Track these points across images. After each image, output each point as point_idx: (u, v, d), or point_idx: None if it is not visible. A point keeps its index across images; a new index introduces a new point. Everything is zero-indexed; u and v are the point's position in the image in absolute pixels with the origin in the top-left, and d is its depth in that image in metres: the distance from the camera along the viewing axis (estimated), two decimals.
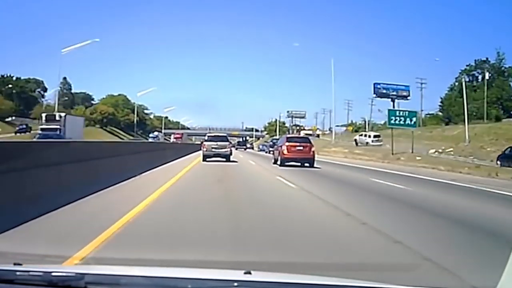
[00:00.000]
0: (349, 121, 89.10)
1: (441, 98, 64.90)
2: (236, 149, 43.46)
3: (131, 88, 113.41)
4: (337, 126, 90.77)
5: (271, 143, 47.54)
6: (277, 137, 71.55)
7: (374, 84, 68.59)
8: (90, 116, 79.35)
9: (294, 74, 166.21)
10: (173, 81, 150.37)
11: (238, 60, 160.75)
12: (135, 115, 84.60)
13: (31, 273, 1.79)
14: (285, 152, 20.34)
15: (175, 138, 74.96)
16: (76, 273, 1.78)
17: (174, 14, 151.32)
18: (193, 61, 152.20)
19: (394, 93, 67.85)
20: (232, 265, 3.37)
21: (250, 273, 1.87)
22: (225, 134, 26.51)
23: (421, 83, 69.39)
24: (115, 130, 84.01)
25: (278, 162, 21.00)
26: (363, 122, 77.73)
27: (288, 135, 27.06)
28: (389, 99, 67.89)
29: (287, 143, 20.74)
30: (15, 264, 1.92)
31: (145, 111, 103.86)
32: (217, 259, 3.81)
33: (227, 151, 22.34)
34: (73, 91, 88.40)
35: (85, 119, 76.73)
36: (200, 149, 23.86)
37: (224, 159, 22.10)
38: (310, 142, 21.22)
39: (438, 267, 4.01)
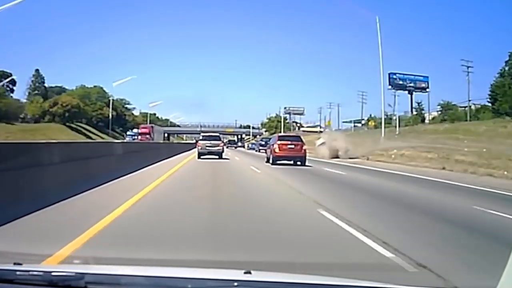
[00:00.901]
0: (362, 115, 76.14)
1: (491, 85, 49.36)
2: (227, 147, 45.71)
3: (121, 86, 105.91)
4: (345, 122, 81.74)
5: (261, 142, 50.07)
6: (271, 136, 69.79)
7: (389, 74, 58.91)
8: (50, 110, 66.43)
9: (290, 71, 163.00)
10: (166, 79, 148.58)
11: (232, 58, 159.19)
12: (110, 109, 70.60)
13: (31, 273, 1.79)
14: (277, 150, 20.40)
15: (140, 134, 56.93)
16: (76, 273, 1.78)
17: (169, 13, 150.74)
18: (187, 59, 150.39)
19: (412, 84, 59.50)
20: (232, 265, 3.37)
21: (250, 273, 1.88)
22: (218, 134, 28.86)
23: (468, 67, 54.24)
24: (83, 127, 71.38)
25: (270, 161, 20.89)
26: (385, 115, 68.63)
27: (280, 134, 26.93)
28: (406, 91, 59.47)
29: (278, 142, 20.82)
30: (15, 264, 1.93)
31: (127, 106, 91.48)
32: (217, 259, 3.81)
33: (219, 149, 24.69)
34: (47, 84, 76.94)
35: (44, 113, 65.01)
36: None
37: (217, 157, 24.13)
38: (301, 141, 21.29)
39: None
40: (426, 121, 59.00)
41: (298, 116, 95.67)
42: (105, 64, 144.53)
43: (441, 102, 58.95)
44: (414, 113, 61.39)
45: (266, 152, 24.20)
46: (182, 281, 1.81)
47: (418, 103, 61.79)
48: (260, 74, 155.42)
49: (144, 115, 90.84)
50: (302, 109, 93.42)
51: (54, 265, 2.79)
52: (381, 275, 3.66)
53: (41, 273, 1.78)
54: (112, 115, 73.00)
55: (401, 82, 60.01)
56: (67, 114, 66.46)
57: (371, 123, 66.43)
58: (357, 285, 1.93)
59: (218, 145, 24.89)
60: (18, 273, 1.80)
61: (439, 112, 58.82)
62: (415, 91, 60.95)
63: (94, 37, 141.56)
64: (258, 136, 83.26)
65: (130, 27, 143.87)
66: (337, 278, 2.05)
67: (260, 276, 1.93)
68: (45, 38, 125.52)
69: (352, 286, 1.92)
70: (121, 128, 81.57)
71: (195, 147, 35.89)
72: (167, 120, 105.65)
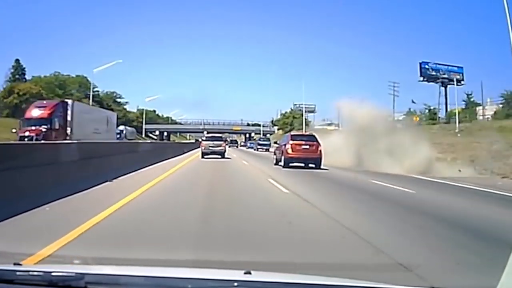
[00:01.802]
0: (394, 110, 65.41)
1: None
2: (229, 146, 48.09)
3: (123, 85, 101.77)
4: None
5: (259, 141, 56.38)
6: (264, 136, 68.73)
7: (421, 63, 53.09)
8: (5, 100, 52.11)
9: (296, 68, 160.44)
10: (168, 77, 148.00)
11: (238, 56, 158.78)
12: (91, 101, 53.46)
13: (31, 273, 1.80)
14: (290, 151, 18.38)
15: (26, 119, 28.78)
16: (76, 273, 1.78)
17: (170, 10, 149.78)
18: (190, 58, 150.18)
19: (445, 75, 52.38)
20: (232, 265, 3.37)
21: (250, 273, 1.88)
22: (220, 135, 30.63)
23: None
24: None
25: (281, 163, 18.83)
26: (427, 110, 56.88)
27: (293, 133, 24.26)
28: (439, 83, 52.44)
29: (291, 142, 18.73)
30: (15, 264, 1.93)
31: (118, 100, 79.70)
32: (217, 259, 3.81)
33: (222, 149, 26.07)
34: (28, 76, 65.54)
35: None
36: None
37: (219, 156, 25.44)
38: (317, 141, 19.02)
39: None
40: (479, 116, 51.50)
41: (311, 113, 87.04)
42: (103, 62, 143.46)
43: (504, 92, 50.10)
44: (461, 107, 52.70)
45: (275, 154, 21.64)
46: (182, 281, 1.81)
47: (468, 95, 54.23)
48: (263, 72, 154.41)
49: (142, 111, 79.93)
50: (313, 106, 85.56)
51: (54, 265, 2.78)
52: (380, 275, 3.66)
53: (41, 273, 1.78)
54: None
55: (433, 73, 53.63)
56: (24, 106, 51.61)
57: (415, 118, 54.13)
58: (357, 285, 1.94)
59: (220, 145, 26.12)
60: (18, 273, 1.80)
61: (501, 105, 50.19)
62: (449, 84, 54.16)
63: (93, 35, 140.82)
64: (268, 135, 77.32)
65: (131, 25, 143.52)
66: (337, 278, 2.06)
67: (260, 276, 1.93)
68: (44, 36, 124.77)
69: (351, 286, 1.93)
70: None
71: (189, 151, 35.87)
72: (168, 117, 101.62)
